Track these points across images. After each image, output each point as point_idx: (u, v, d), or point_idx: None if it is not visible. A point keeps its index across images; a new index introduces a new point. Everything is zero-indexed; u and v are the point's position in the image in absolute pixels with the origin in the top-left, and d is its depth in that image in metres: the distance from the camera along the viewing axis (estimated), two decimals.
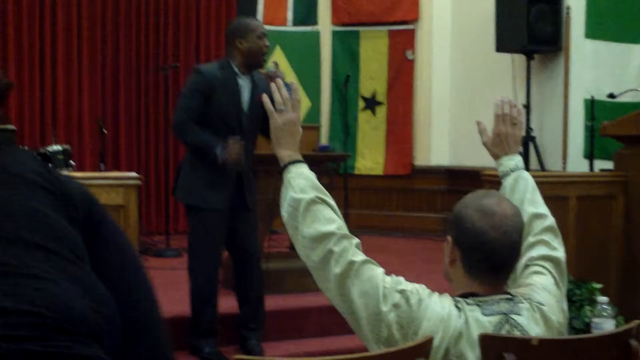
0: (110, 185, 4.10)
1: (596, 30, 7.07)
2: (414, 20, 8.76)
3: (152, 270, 6.16)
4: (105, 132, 7.14)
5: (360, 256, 2.13)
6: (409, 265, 6.58)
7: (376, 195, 8.83)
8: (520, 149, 6.69)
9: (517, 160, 2.56)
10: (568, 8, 7.07)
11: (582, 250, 5.34)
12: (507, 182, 2.52)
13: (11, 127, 5.80)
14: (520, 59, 7.38)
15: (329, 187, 5.66)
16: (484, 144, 2.62)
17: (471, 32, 8.26)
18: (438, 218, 8.49)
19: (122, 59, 7.96)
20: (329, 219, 2.15)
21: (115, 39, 7.96)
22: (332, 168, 5.72)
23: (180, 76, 8.06)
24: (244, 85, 4.43)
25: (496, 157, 2.60)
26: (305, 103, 8.87)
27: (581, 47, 7.08)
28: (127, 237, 1.22)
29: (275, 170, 4.55)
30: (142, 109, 8.04)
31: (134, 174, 4.24)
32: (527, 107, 7.10)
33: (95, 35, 7.81)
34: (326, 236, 2.13)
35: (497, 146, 2.58)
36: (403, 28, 8.78)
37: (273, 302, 4.96)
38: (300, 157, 2.30)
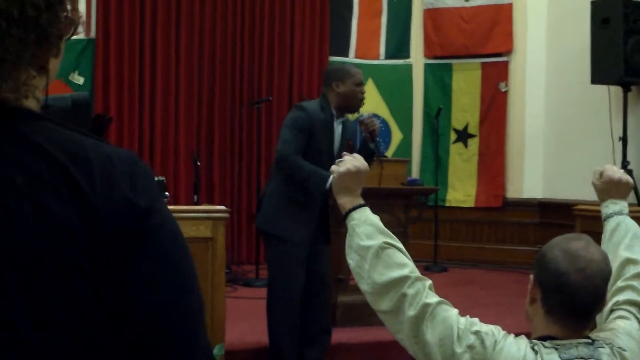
0: (200, 218, 4.20)
1: None
2: (508, 52, 8.69)
3: (241, 299, 6.25)
4: (199, 164, 7.30)
5: (434, 298, 2.12)
6: (498, 299, 6.48)
7: (467, 227, 8.74)
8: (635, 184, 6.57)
9: (622, 205, 2.52)
10: None
11: None
12: (609, 226, 2.49)
13: None
14: (616, 90, 7.22)
15: (417, 220, 5.67)
16: (593, 184, 2.59)
17: (566, 64, 8.13)
18: (529, 251, 8.33)
19: (218, 94, 8.13)
20: (401, 264, 2.14)
21: (212, 74, 8.14)
22: (420, 202, 5.71)
23: (273, 111, 8.20)
24: (337, 128, 4.53)
25: (602, 199, 2.56)
26: (397, 136, 8.91)
27: None
28: (179, 272, 1.08)
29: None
30: (235, 142, 8.19)
31: (222, 207, 4.34)
32: (624, 139, 6.93)
33: (192, 70, 8.03)
34: (399, 281, 2.11)
35: (605, 190, 2.55)
36: (496, 60, 8.71)
37: (355, 335, 4.95)
38: (361, 201, 2.28)
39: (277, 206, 4.48)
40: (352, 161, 2.31)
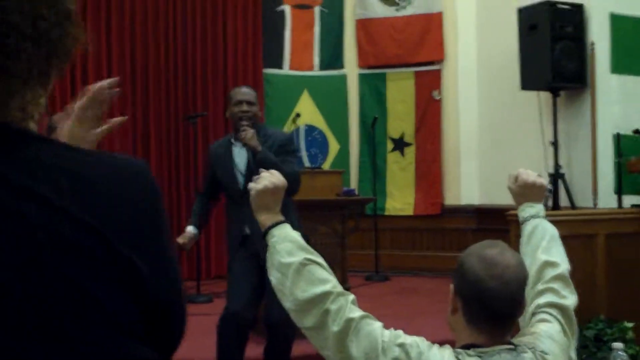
0: None
1: (622, 65, 7.02)
2: (440, 60, 8.80)
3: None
4: None
5: (357, 312, 2.11)
6: (440, 306, 6.51)
7: (406, 235, 8.81)
8: (550, 187, 6.67)
9: (538, 208, 2.56)
10: (592, 44, 7.03)
11: (614, 289, 5.27)
12: (526, 229, 2.53)
13: None
14: (546, 96, 7.34)
15: (355, 231, 5.68)
16: (509, 188, 2.63)
17: (497, 71, 8.27)
18: None
19: (152, 109, 8.09)
20: (322, 280, 2.12)
21: (145, 87, 8.09)
22: (358, 212, 5.73)
23: (209, 125, 8.17)
24: (240, 152, 4.57)
25: (519, 203, 2.60)
26: (334, 146, 8.94)
27: (607, 83, 7.03)
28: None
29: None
30: (172, 156, 8.15)
31: None
32: (555, 144, 7.04)
33: (125, 85, 7.95)
34: (322, 297, 2.10)
35: (521, 194, 2.59)
36: (429, 69, 8.81)
37: (300, 348, 4.93)
38: (280, 218, 2.27)
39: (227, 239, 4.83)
40: (269, 177, 2.31)
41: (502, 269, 2.03)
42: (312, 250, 2.20)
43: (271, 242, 2.21)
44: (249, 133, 4.41)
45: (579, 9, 7.04)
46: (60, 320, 0.97)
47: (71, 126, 1.78)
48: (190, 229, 4.75)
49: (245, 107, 4.52)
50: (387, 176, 8.93)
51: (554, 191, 6.97)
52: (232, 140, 4.60)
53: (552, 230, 2.49)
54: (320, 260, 2.17)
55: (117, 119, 1.98)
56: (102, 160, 1.09)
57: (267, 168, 4.26)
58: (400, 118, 8.92)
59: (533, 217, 2.52)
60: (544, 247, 2.43)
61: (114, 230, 1.02)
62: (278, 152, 4.45)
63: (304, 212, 5.10)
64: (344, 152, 8.96)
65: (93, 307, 0.99)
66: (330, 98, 8.97)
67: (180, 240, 4.60)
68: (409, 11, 8.86)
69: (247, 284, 4.42)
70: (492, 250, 2.10)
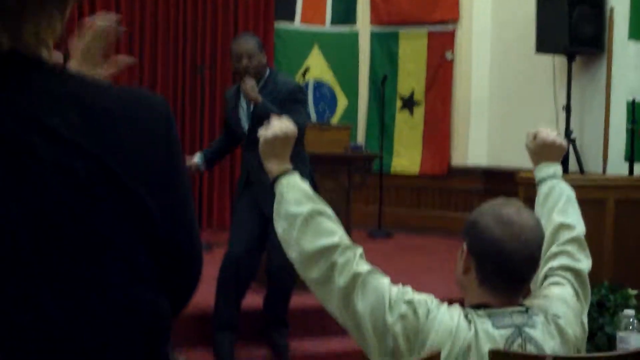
0: None
1: None
2: (454, 20, 8.64)
3: None
4: None
5: (365, 266, 2.04)
6: (443, 264, 6.48)
7: (412, 194, 8.76)
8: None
9: (556, 168, 2.49)
10: (611, 9, 6.91)
11: (620, 255, 5.24)
12: (542, 189, 2.46)
13: None
14: (561, 60, 7.23)
15: (360, 186, 5.63)
16: (527, 146, 2.54)
17: (512, 33, 8.13)
18: None
19: (160, 58, 7.96)
20: (330, 231, 2.05)
21: (154, 36, 7.97)
22: (362, 168, 5.67)
23: (217, 76, 8.06)
24: (244, 103, 4.52)
25: (536, 162, 2.52)
26: (342, 102, 8.84)
27: (624, 49, 6.92)
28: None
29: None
30: (178, 106, 8.04)
31: None
32: (568, 108, 6.96)
33: (133, 37, 7.83)
34: (329, 249, 2.03)
35: (538, 153, 2.50)
36: (442, 29, 8.67)
37: (299, 300, 4.90)
38: (289, 166, 2.19)
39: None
40: (278, 125, 2.23)
41: (520, 228, 1.97)
42: (321, 200, 2.12)
43: (279, 190, 2.13)
44: (248, 85, 4.31)
45: None
46: (67, 258, 0.94)
47: (73, 63, 1.72)
48: (196, 156, 4.71)
49: (245, 62, 4.40)
50: (395, 134, 8.84)
51: (564, 155, 6.89)
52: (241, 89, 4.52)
53: (568, 192, 2.42)
54: (329, 211, 2.10)
55: (123, 58, 1.91)
56: (116, 92, 1.05)
57: (267, 118, 4.26)
58: (411, 77, 8.81)
59: (550, 177, 2.45)
60: (560, 208, 2.36)
61: (123, 164, 0.98)
62: (285, 101, 4.36)
63: (311, 165, 5.05)
64: (352, 109, 8.86)
65: (101, 246, 0.96)
66: (341, 54, 8.83)
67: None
68: None
69: (250, 230, 4.38)
70: (509, 209, 2.04)
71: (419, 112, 8.78)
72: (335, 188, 5.30)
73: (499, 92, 8.43)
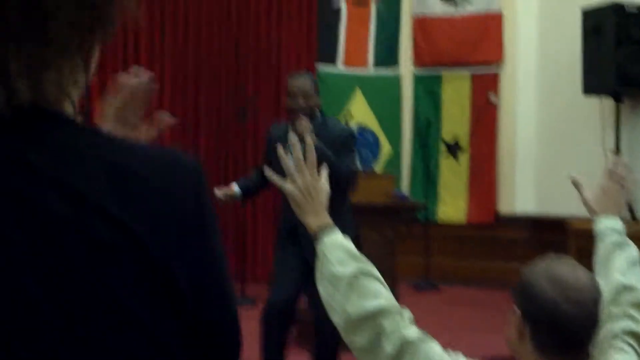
0: None
1: None
2: (498, 62, 8.52)
3: None
4: None
5: (414, 332, 1.87)
6: (492, 322, 6.26)
7: (458, 243, 8.55)
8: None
9: (617, 222, 2.30)
10: None
11: None
12: (602, 246, 2.27)
13: None
14: (608, 102, 7.05)
15: (405, 237, 5.48)
16: (584, 201, 2.37)
17: (557, 74, 7.97)
18: (522, 268, 8.15)
19: (203, 103, 7.98)
20: (376, 293, 1.89)
21: (197, 82, 7.99)
22: (407, 219, 5.52)
23: (259, 118, 8.03)
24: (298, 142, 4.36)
25: (595, 214, 2.35)
26: (386, 148, 8.72)
27: None
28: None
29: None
30: (221, 147, 8.02)
31: None
32: (616, 152, 6.76)
33: (175, 79, 7.86)
34: (375, 313, 1.87)
35: (599, 202, 2.33)
36: (486, 71, 8.54)
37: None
38: (329, 221, 2.02)
39: None
40: (299, 180, 2.05)
41: (576, 290, 1.80)
42: (365, 259, 1.96)
43: (321, 249, 1.97)
44: (303, 125, 4.20)
45: None
46: (87, 332, 0.86)
47: (106, 123, 1.63)
48: (235, 187, 4.52)
49: (301, 102, 4.30)
50: (440, 181, 8.68)
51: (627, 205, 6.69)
52: (291, 129, 4.36)
53: (631, 251, 2.24)
54: (375, 271, 1.94)
55: (165, 119, 1.81)
56: (145, 153, 0.95)
57: (320, 163, 4.15)
58: (455, 121, 8.67)
59: (611, 232, 2.27)
60: (621, 268, 2.17)
61: (151, 233, 0.89)
62: (336, 146, 4.24)
63: (355, 216, 4.93)
64: (395, 155, 8.73)
65: (125, 318, 0.88)
66: (384, 98, 8.74)
67: (219, 193, 4.36)
68: (468, 10, 8.60)
69: (293, 279, 4.26)
70: (562, 267, 1.87)
71: (464, 158, 8.62)
72: (379, 240, 5.16)
73: (546, 136, 8.24)
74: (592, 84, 6.99)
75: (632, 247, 2.25)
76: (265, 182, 4.57)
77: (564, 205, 7.71)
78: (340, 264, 1.92)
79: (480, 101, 8.54)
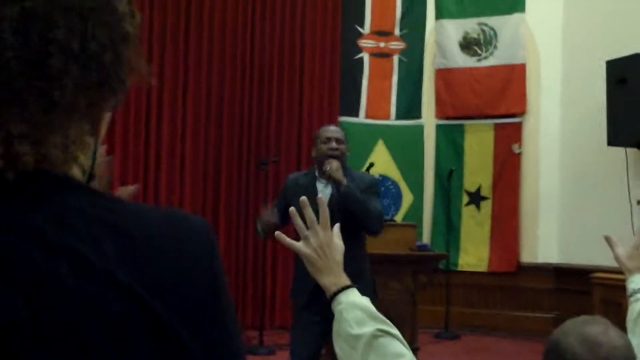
0: None
1: None
2: (521, 113, 8.50)
3: None
4: None
5: None
6: None
7: (480, 292, 8.45)
8: None
9: None
10: None
11: None
12: (636, 305, 2.23)
13: None
14: (634, 152, 7.00)
15: (426, 287, 5.42)
16: (616, 257, 2.33)
17: (582, 125, 7.93)
18: (545, 318, 8.05)
19: (225, 152, 7.98)
20: (397, 354, 1.83)
21: (219, 130, 8.00)
22: (431, 268, 5.47)
23: (281, 171, 8.02)
24: (325, 189, 4.34)
25: (629, 271, 2.31)
26: (407, 197, 8.69)
27: None
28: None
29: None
30: (242, 201, 8.00)
31: None
32: None
33: (198, 130, 7.88)
34: None
35: (632, 260, 2.29)
36: (509, 121, 8.52)
37: None
38: (346, 281, 1.96)
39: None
40: (322, 239, 1.97)
41: (608, 350, 1.75)
42: (384, 318, 1.90)
43: (338, 309, 1.91)
44: (334, 164, 4.22)
45: None
46: None
47: None
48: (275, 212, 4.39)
49: (334, 145, 4.35)
50: (462, 231, 8.61)
51: None
52: (317, 175, 4.39)
53: None
54: (394, 330, 1.88)
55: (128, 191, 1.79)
56: (154, 216, 0.92)
57: (352, 203, 4.13)
58: (477, 171, 8.62)
59: None
60: None
61: (162, 300, 0.85)
62: (363, 192, 4.26)
63: (375, 266, 4.88)
64: (417, 204, 8.68)
65: None
66: (406, 148, 8.72)
67: (266, 217, 4.30)
68: (490, 62, 8.60)
69: (310, 345, 4.20)
70: (594, 327, 1.81)
71: (486, 207, 8.56)
72: (401, 289, 5.11)
73: (569, 186, 8.18)
74: (617, 135, 6.94)
75: None
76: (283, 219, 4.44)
77: (587, 255, 7.65)
78: (358, 324, 1.86)
79: (503, 151, 8.51)
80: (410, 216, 8.46)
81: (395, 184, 8.62)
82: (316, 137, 4.48)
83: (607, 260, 7.82)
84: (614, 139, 7.02)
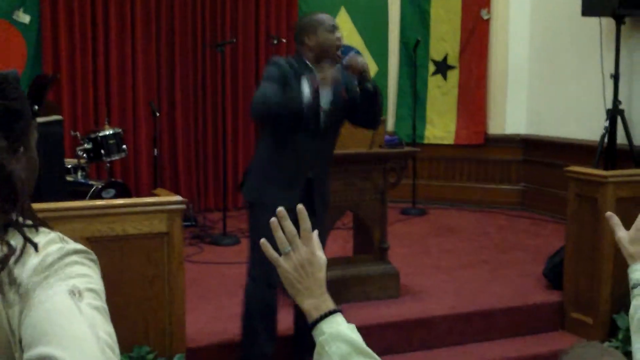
0: (153, 211, 3.73)
1: None
2: None
3: (206, 266, 5.79)
4: (158, 114, 6.80)
5: None
6: (483, 257, 6.10)
7: (446, 165, 8.30)
8: None
9: None
10: None
11: None
12: (638, 302, 2.01)
13: (58, 117, 5.47)
14: (608, 23, 6.69)
15: (395, 185, 5.20)
16: (618, 240, 2.09)
17: None
18: (513, 190, 7.97)
19: (178, 37, 7.47)
20: None
21: (170, 16, 7.46)
22: (399, 166, 5.20)
23: (239, 53, 7.60)
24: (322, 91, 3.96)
25: (632, 258, 2.07)
26: (372, 67, 8.32)
27: None
28: None
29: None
30: (198, 87, 7.59)
31: (178, 198, 3.85)
32: (616, 76, 6.46)
33: (149, 8, 7.34)
34: None
35: (636, 243, 2.06)
36: None
37: None
38: (330, 305, 1.72)
39: (261, 173, 4.01)
40: (295, 253, 1.74)
41: None
42: (371, 352, 1.66)
43: (320, 340, 1.66)
44: (360, 58, 3.92)
45: None
46: None
47: None
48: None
49: (339, 34, 3.99)
50: (428, 101, 8.33)
51: (610, 128, 6.44)
52: (310, 65, 3.93)
53: None
54: None
55: None
56: None
57: (379, 96, 3.86)
58: (444, 39, 8.25)
59: None
60: None
61: None
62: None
63: (341, 166, 4.63)
64: (382, 74, 8.32)
65: None
66: (369, 16, 8.28)
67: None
68: None
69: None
70: (590, 351, 1.63)
71: (453, 76, 8.25)
72: (370, 189, 4.89)
73: (540, 56, 7.89)
74: (592, 4, 6.66)
75: None
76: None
77: (556, 127, 7.50)
78: (342, 359, 1.63)
79: (471, 17, 8.12)
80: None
81: (358, 53, 8.23)
82: (316, 23, 3.96)
83: (576, 133, 7.64)
84: (588, 9, 6.71)
